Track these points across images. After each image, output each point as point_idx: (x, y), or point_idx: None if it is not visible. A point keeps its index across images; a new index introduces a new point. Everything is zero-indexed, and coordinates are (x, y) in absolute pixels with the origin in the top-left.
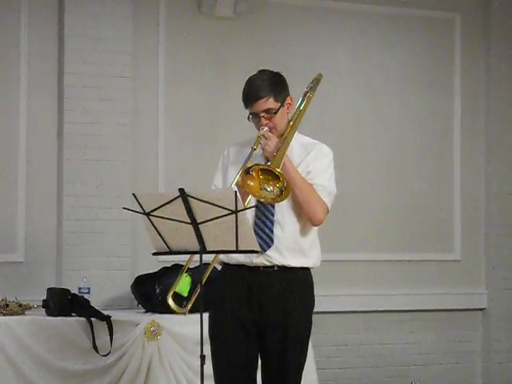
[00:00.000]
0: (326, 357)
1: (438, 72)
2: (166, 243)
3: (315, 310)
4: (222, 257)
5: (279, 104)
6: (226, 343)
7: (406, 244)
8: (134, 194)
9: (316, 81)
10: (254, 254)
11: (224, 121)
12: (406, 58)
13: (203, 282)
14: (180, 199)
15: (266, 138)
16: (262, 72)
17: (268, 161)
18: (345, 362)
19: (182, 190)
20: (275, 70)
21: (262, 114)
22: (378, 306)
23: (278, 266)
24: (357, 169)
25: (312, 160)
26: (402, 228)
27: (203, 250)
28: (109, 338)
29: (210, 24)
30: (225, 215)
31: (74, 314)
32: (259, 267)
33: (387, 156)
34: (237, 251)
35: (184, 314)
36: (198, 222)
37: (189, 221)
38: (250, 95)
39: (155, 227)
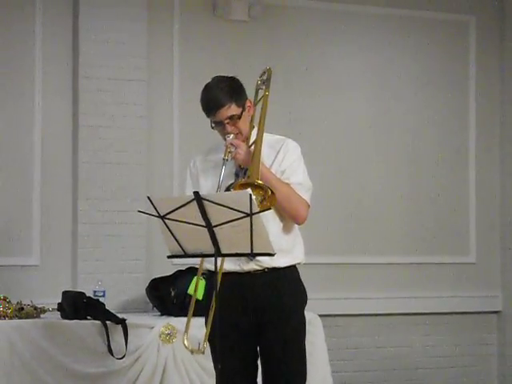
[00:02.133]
0: (342, 360)
1: (453, 74)
2: (180, 246)
3: (330, 312)
4: (208, 266)
5: (241, 109)
6: (225, 351)
7: (420, 247)
8: (148, 198)
9: (266, 76)
10: (244, 261)
11: None
12: (421, 61)
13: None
14: (195, 202)
15: (235, 147)
16: (218, 79)
17: (241, 168)
18: (360, 365)
19: (196, 193)
20: (230, 75)
21: (227, 121)
22: (392, 309)
23: (268, 268)
24: (372, 172)
25: (283, 158)
26: (416, 231)
27: (218, 253)
28: (124, 341)
29: (224, 27)
30: (239, 218)
31: (89, 318)
32: (249, 272)
33: (402, 159)
34: (251, 254)
35: (202, 353)
36: (213, 225)
37: (204, 224)
38: (212, 104)
39: (170, 230)
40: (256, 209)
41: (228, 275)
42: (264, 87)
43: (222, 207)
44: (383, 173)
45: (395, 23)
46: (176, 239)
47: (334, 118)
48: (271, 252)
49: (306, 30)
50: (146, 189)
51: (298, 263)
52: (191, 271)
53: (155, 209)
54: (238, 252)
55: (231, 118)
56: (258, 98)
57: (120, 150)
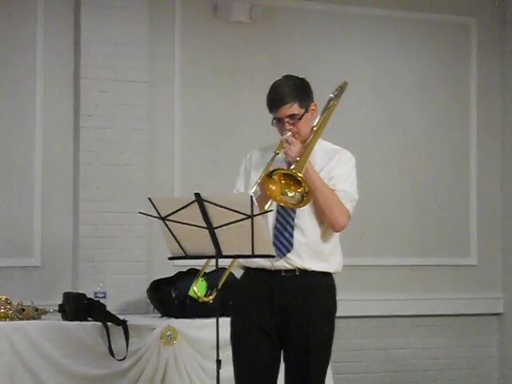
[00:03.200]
0: (343, 362)
1: (454, 76)
2: (181, 248)
3: None
4: (241, 261)
5: (304, 110)
6: (248, 348)
7: (421, 249)
8: (150, 199)
9: (341, 88)
10: (275, 258)
11: (239, 125)
12: (422, 63)
13: (219, 286)
14: (196, 204)
15: (289, 143)
16: (287, 77)
17: (290, 165)
18: (361, 367)
19: (197, 195)
20: (300, 76)
21: (287, 120)
22: (393, 311)
23: (299, 269)
24: (373, 174)
25: (334, 166)
26: (418, 233)
27: (219, 255)
28: (125, 342)
29: (225, 29)
30: (241, 220)
31: (90, 319)
32: (281, 271)
33: (403, 161)
34: (252, 256)
35: (209, 302)
36: (214, 226)
37: (205, 225)
38: (276, 100)
39: (171, 232)
40: (257, 210)
41: (258, 274)
42: (335, 97)
43: (223, 208)
44: (384, 175)
45: (396, 25)
46: (177, 240)
47: (336, 119)
48: (272, 254)
49: (306, 31)
50: (147, 190)
51: (333, 272)
52: (192, 273)
53: (156, 210)
54: (239, 254)
55: (292, 116)
56: (327, 106)
57: (121, 152)
